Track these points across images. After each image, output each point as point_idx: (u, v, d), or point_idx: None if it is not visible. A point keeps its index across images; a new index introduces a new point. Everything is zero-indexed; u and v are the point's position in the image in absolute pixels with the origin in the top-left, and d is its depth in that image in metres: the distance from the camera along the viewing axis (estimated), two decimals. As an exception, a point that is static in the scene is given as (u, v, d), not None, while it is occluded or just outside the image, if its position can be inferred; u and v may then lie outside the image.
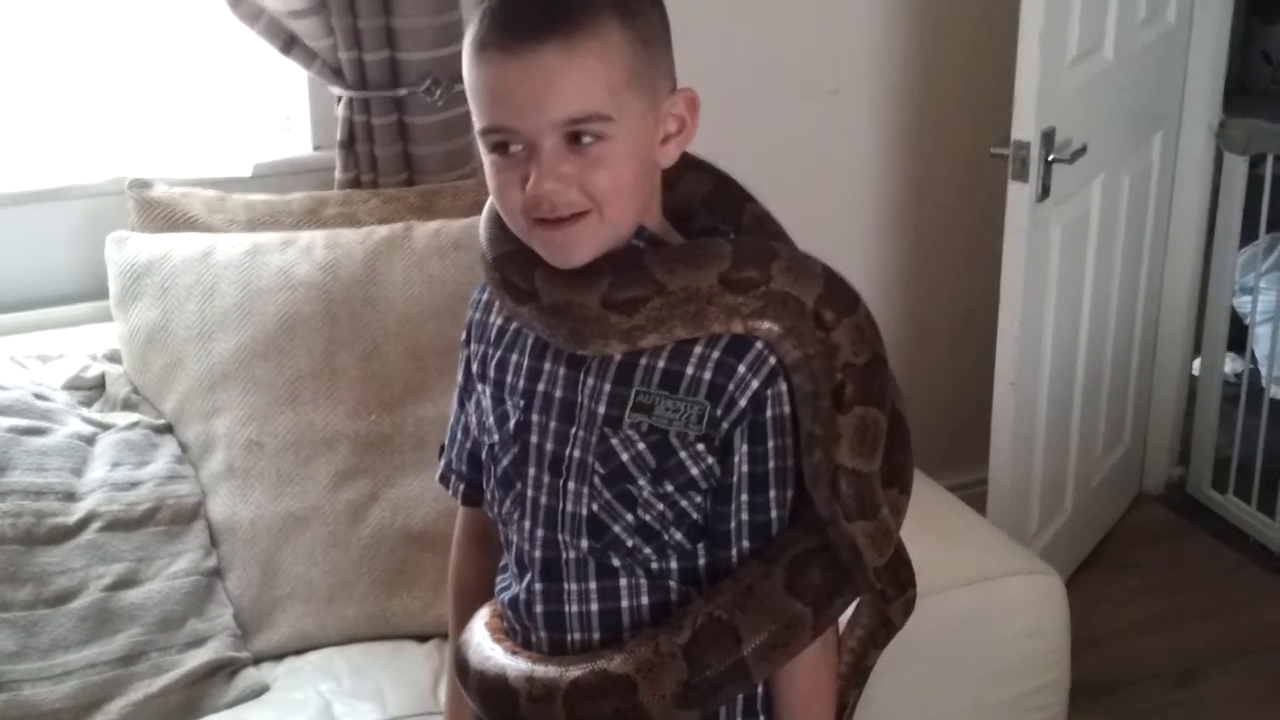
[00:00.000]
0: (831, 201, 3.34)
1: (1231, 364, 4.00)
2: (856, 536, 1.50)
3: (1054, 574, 2.39)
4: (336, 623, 2.39)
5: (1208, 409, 3.85)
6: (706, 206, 1.61)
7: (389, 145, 2.78)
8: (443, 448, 1.75)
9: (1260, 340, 4.16)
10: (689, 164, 1.57)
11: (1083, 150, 2.96)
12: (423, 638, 2.36)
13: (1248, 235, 3.74)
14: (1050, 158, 2.89)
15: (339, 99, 2.76)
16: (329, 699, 2.23)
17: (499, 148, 1.44)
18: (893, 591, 1.58)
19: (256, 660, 2.33)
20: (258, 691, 2.27)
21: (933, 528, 2.38)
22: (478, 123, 1.45)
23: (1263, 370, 3.99)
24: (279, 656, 2.36)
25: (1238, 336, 3.99)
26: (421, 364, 2.47)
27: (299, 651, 2.37)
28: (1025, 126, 2.85)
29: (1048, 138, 2.88)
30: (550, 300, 1.48)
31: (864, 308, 1.52)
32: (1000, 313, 3.01)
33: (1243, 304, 4.15)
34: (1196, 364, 3.89)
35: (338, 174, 2.80)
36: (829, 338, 1.48)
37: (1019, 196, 2.90)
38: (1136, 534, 3.80)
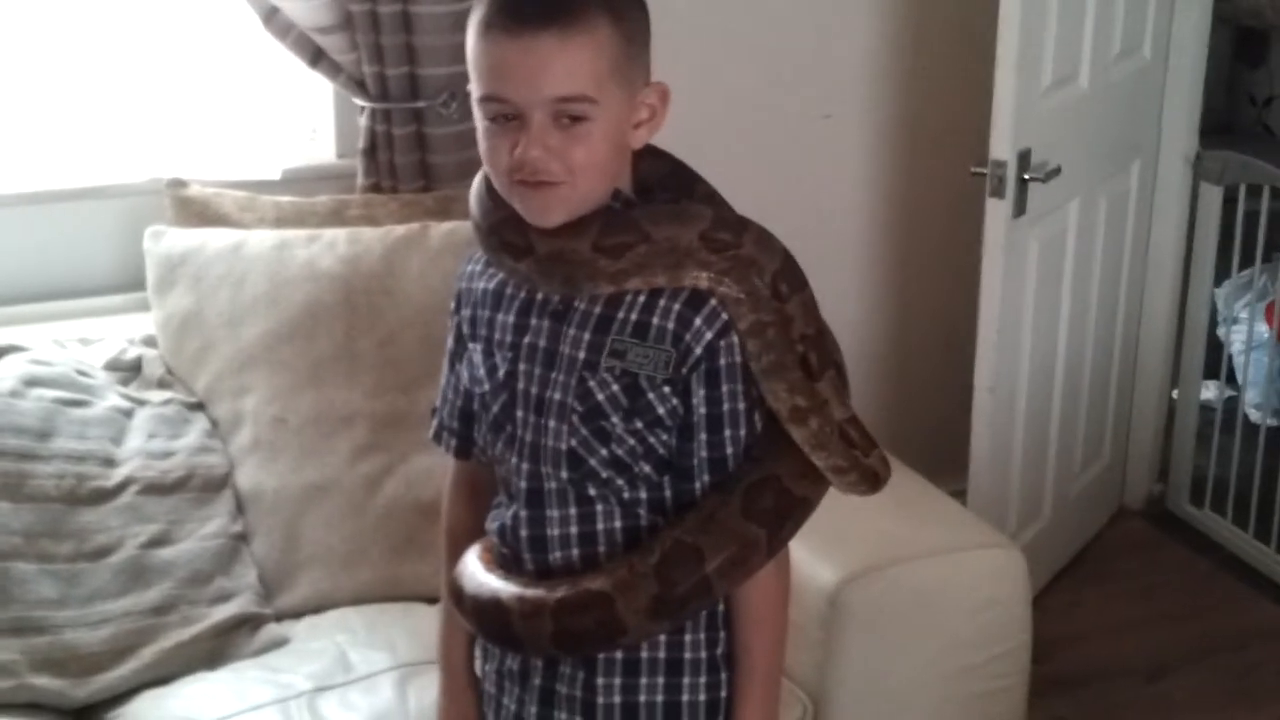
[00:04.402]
0: (824, 217, 3.53)
1: (1217, 390, 4.16)
2: (877, 467, 1.77)
3: (1014, 548, 2.56)
4: (352, 585, 2.58)
5: (1186, 431, 4.02)
6: (663, 185, 1.80)
7: (408, 154, 2.97)
8: (434, 410, 1.93)
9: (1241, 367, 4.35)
10: (647, 150, 1.77)
11: (1057, 171, 3.15)
12: (431, 600, 2.53)
13: (1244, 262, 3.95)
14: (1026, 177, 3.08)
15: (362, 110, 2.96)
16: (345, 648, 2.43)
17: (498, 117, 1.64)
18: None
19: (278, 617, 2.52)
20: (279, 644, 2.46)
21: (905, 504, 2.57)
22: (476, 91, 1.65)
23: (1246, 396, 4.17)
24: (298, 615, 2.55)
25: (1221, 363, 4.16)
26: (435, 350, 2.60)
27: (317, 610, 2.56)
28: (1002, 147, 3.05)
29: (1024, 158, 3.07)
30: (546, 250, 1.67)
31: (810, 289, 1.73)
32: (979, 321, 3.20)
33: (1234, 332, 4.33)
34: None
35: (359, 180, 3.00)
36: (784, 309, 1.68)
37: (996, 212, 3.10)
38: (1116, 545, 3.96)
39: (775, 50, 3.43)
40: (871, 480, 1.78)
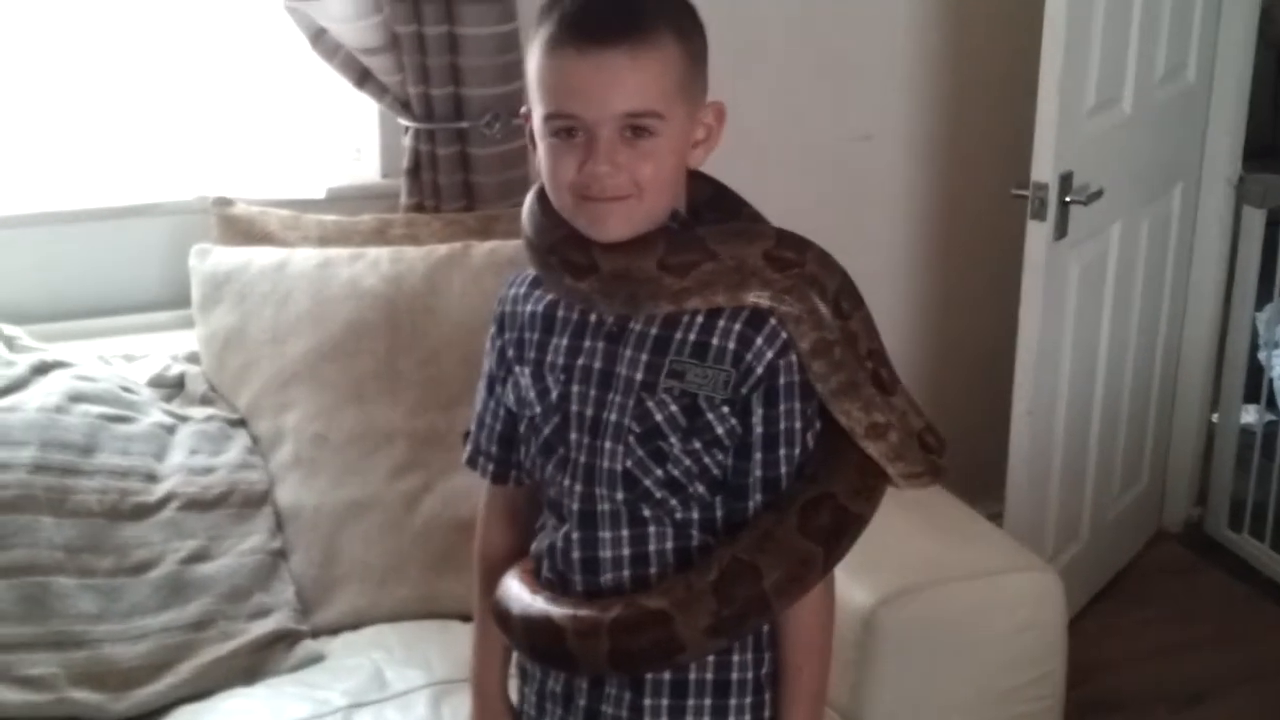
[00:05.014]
0: (865, 238, 3.54)
1: (1257, 414, 4.14)
2: (945, 464, 1.81)
3: (1051, 571, 2.56)
4: (389, 602, 2.60)
5: (1225, 455, 4.01)
6: (710, 207, 1.81)
7: (451, 174, 2.99)
8: (467, 434, 1.94)
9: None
10: (691, 173, 1.77)
11: (1099, 194, 3.15)
12: (467, 618, 2.54)
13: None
14: (1067, 199, 3.08)
15: (406, 130, 2.98)
16: (380, 665, 2.44)
17: (561, 132, 1.65)
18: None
19: (315, 634, 2.54)
20: (315, 660, 2.47)
21: (941, 527, 2.58)
22: (543, 109, 1.65)
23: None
24: (335, 631, 2.57)
25: (1262, 387, 4.14)
26: (475, 369, 2.61)
27: (354, 627, 2.58)
28: (1043, 169, 3.04)
29: (1065, 180, 3.07)
30: (610, 268, 1.68)
31: (867, 306, 1.74)
32: (1018, 343, 3.19)
33: (1275, 356, 4.31)
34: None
35: (403, 199, 3.02)
36: (847, 325, 1.70)
37: (1037, 234, 3.10)
38: (1154, 569, 3.95)
39: (815, 71, 3.45)
40: (939, 477, 1.81)
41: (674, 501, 1.72)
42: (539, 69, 1.65)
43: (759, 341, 1.68)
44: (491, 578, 1.88)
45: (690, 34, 1.68)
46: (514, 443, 1.86)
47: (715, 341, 1.69)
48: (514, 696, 1.96)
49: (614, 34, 1.61)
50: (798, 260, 1.68)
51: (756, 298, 1.67)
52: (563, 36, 1.62)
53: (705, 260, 1.66)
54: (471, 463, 1.93)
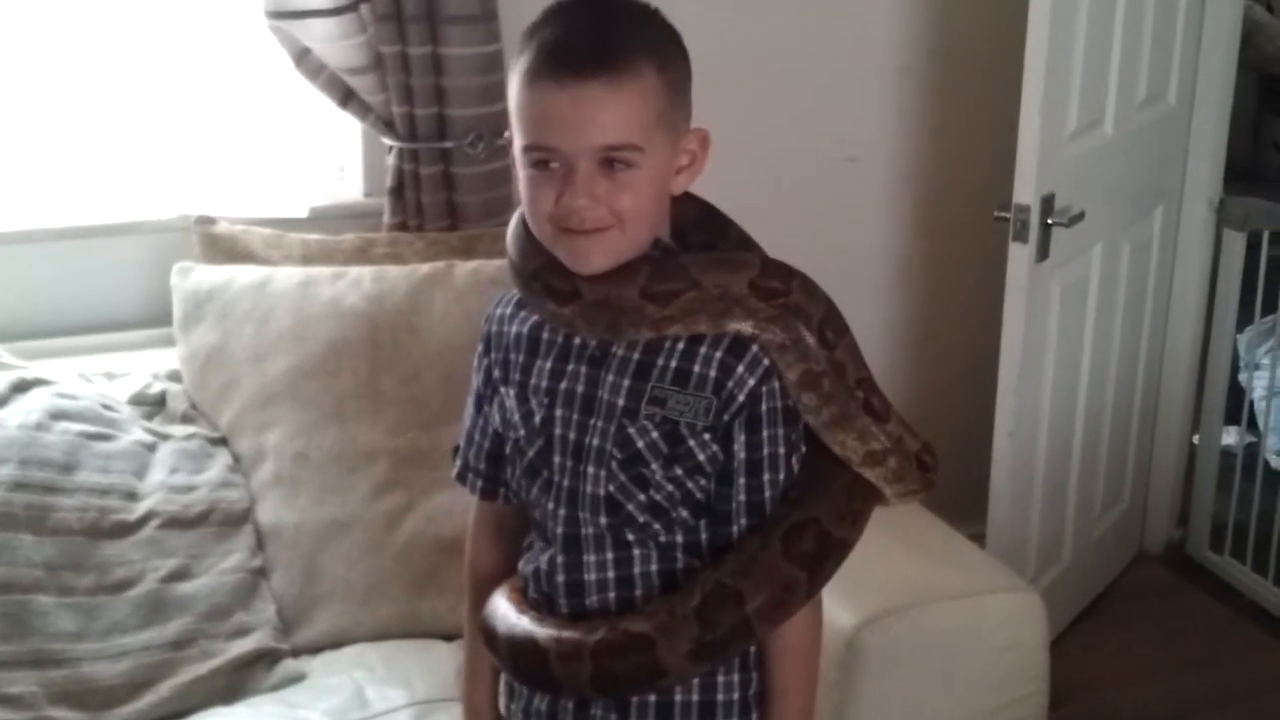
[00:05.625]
0: (848, 260, 3.55)
1: (1238, 436, 4.16)
2: (936, 478, 1.83)
3: (1033, 592, 2.55)
4: (370, 621, 2.59)
5: (1206, 477, 4.02)
6: (696, 227, 1.81)
7: (434, 193, 2.98)
8: (455, 449, 1.94)
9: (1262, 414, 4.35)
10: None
11: (1080, 216, 3.16)
12: (449, 637, 2.55)
13: (1267, 308, 3.95)
14: (1049, 221, 3.09)
15: (390, 149, 2.98)
16: (362, 685, 2.43)
17: (539, 164, 1.64)
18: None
19: (295, 653, 2.52)
20: (296, 679, 2.46)
21: (923, 548, 2.58)
22: (521, 140, 1.65)
23: (1267, 442, 4.16)
24: (316, 650, 2.56)
25: (1243, 409, 4.16)
26: (457, 388, 2.63)
27: (335, 646, 2.57)
28: (1025, 191, 3.05)
29: (1047, 203, 3.08)
30: (593, 296, 1.67)
31: (851, 333, 1.74)
32: (1000, 365, 3.20)
33: (1256, 378, 4.33)
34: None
35: (386, 218, 3.02)
36: (833, 355, 1.69)
37: (1019, 256, 3.11)
38: (1135, 590, 3.95)
39: (802, 94, 3.46)
40: (930, 490, 1.83)
41: (657, 525, 1.72)
42: (518, 100, 1.65)
43: (740, 369, 1.68)
44: (482, 593, 1.88)
45: (672, 62, 1.67)
46: (502, 460, 1.85)
47: (697, 369, 1.68)
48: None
49: (592, 66, 1.60)
50: (783, 289, 1.67)
51: (740, 326, 1.67)
52: (541, 68, 1.61)
53: (688, 289, 1.66)
54: (461, 478, 1.93)
